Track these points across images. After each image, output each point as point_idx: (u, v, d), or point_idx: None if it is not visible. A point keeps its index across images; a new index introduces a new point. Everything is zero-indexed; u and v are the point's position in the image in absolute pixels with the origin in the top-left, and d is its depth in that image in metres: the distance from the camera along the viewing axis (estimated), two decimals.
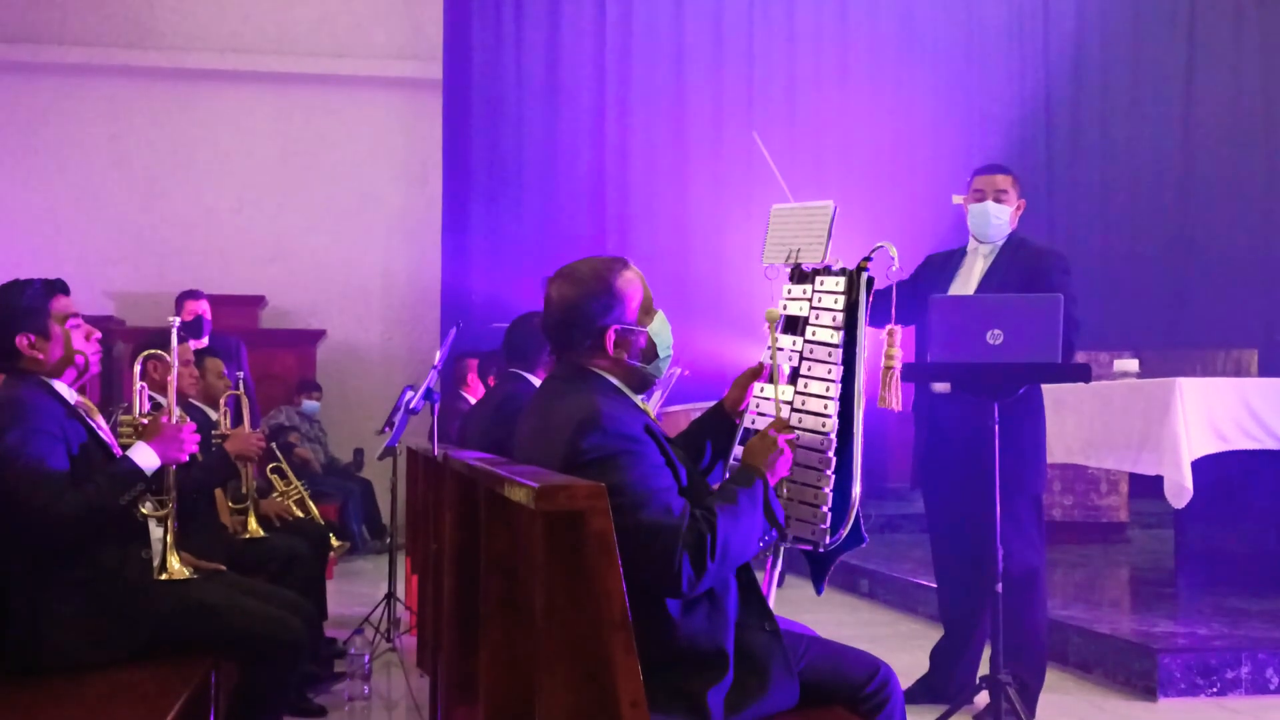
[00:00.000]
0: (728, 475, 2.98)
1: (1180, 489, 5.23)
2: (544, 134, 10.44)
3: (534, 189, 10.33)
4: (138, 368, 3.73)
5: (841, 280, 2.91)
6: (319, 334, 10.76)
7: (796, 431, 2.75)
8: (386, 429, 6.08)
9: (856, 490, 2.80)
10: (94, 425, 3.38)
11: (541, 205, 10.28)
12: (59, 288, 3.34)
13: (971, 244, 4.53)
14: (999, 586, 3.77)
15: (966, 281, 4.43)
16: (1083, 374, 3.92)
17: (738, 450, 2.95)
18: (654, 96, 10.57)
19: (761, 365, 2.96)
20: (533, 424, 2.69)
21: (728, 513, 2.42)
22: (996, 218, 4.42)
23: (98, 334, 3.42)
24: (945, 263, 4.55)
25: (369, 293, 10.96)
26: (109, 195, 10.61)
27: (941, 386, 4.36)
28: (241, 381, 5.29)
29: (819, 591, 2.98)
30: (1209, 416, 5.39)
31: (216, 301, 8.46)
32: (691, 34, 10.64)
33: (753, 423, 2.96)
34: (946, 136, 10.26)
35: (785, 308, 3.00)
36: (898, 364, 3.04)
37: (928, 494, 4.69)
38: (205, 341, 6.89)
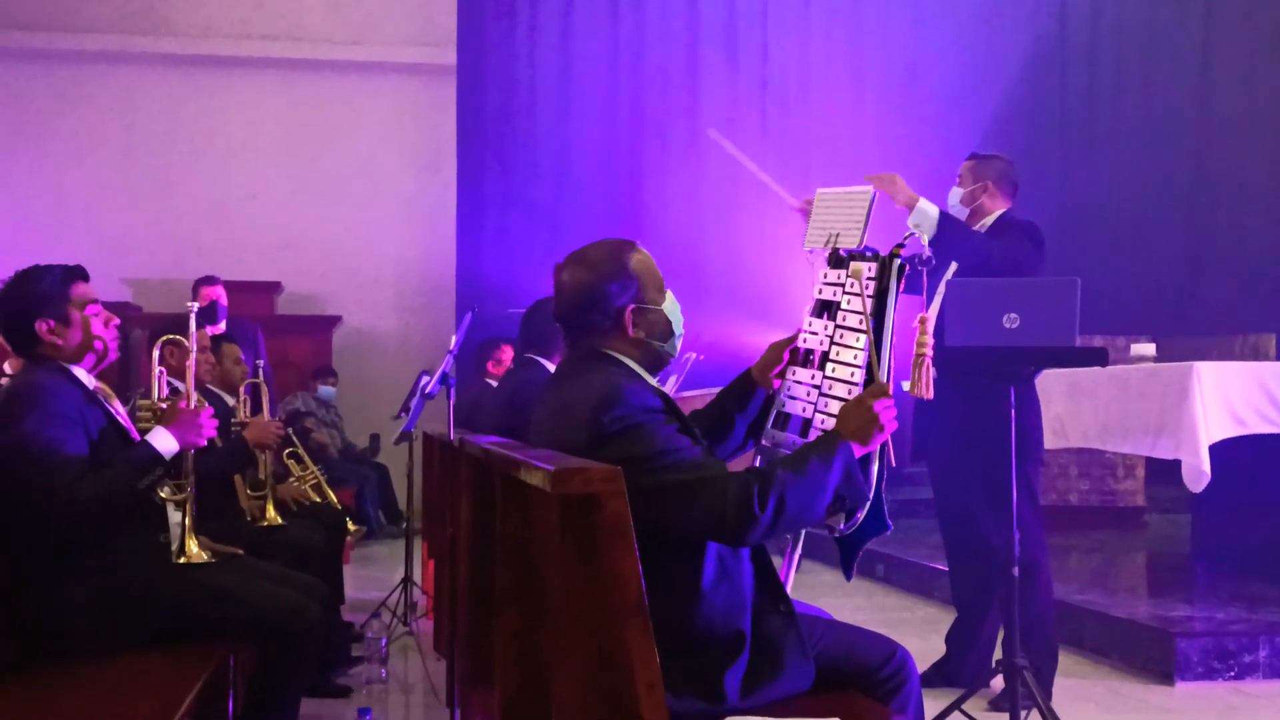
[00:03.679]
0: (758, 458, 2.99)
1: (1198, 473, 5.21)
2: (557, 119, 10.44)
3: (547, 174, 10.34)
4: (156, 353, 3.75)
5: (874, 266, 2.90)
6: (335, 320, 10.79)
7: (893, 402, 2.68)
8: (402, 414, 6.10)
9: (874, 477, 2.79)
10: (112, 410, 3.40)
11: (555, 191, 10.29)
12: (78, 274, 3.36)
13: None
14: (1015, 570, 3.76)
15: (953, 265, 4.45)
16: (1099, 358, 3.91)
17: (778, 434, 2.93)
18: (667, 81, 10.55)
19: (797, 335, 2.96)
20: (549, 407, 2.70)
21: (790, 470, 2.41)
22: (951, 199, 4.51)
23: (117, 320, 3.43)
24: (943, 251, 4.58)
25: (384, 278, 10.99)
26: (125, 182, 10.64)
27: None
28: (260, 369, 5.30)
29: (848, 576, 2.98)
30: (1227, 401, 5.36)
31: (232, 288, 8.49)
32: (705, 17, 10.61)
33: (783, 405, 2.95)
34: (959, 126, 10.21)
35: (820, 292, 3.00)
36: (929, 352, 3.03)
37: (933, 479, 4.72)
38: (222, 327, 6.92)
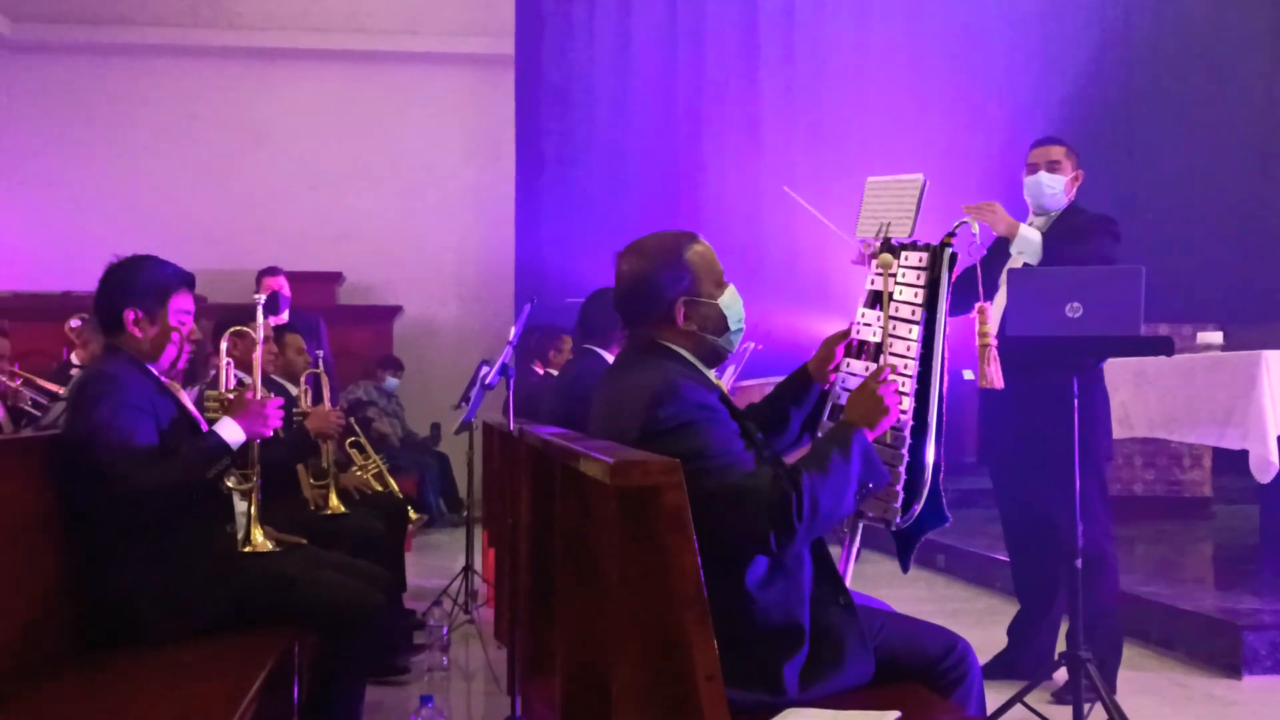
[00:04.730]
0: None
1: (1266, 464, 5.12)
2: (616, 108, 10.43)
3: (606, 163, 10.34)
4: (223, 344, 3.80)
5: (925, 256, 2.88)
6: (395, 310, 10.88)
7: (897, 382, 2.70)
8: (462, 404, 6.14)
9: (930, 469, 2.77)
10: (181, 400, 3.46)
11: (614, 179, 10.29)
12: (185, 280, 3.42)
13: (1030, 217, 4.51)
14: (1078, 562, 3.71)
15: (1018, 256, 4.39)
16: (1165, 347, 3.85)
17: (827, 424, 2.92)
18: (726, 69, 10.51)
19: (850, 330, 2.94)
20: (606, 398, 2.70)
21: (814, 470, 2.41)
22: (1050, 187, 4.40)
23: (199, 336, 3.49)
24: (1004, 239, 4.51)
25: (443, 268, 11.06)
26: (188, 174, 10.79)
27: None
28: (321, 359, 5.36)
29: (905, 569, 2.97)
30: None
31: (294, 279, 8.56)
32: (764, 5, 10.56)
33: (839, 398, 2.94)
34: (1019, 112, 10.08)
35: (873, 282, 2.98)
36: (993, 341, 3.00)
37: (993, 471, 4.68)
38: (284, 318, 6.99)
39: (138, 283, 3.36)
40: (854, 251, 3.62)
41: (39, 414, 5.97)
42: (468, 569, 6.00)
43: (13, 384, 6.10)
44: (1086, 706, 3.67)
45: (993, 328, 3.04)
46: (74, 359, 6.75)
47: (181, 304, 3.41)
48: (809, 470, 2.40)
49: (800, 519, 2.34)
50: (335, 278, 10.77)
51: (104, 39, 10.67)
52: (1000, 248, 4.41)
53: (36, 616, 3.00)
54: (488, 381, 5.09)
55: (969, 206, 4.16)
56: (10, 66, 10.72)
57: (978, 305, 3.04)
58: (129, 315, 3.34)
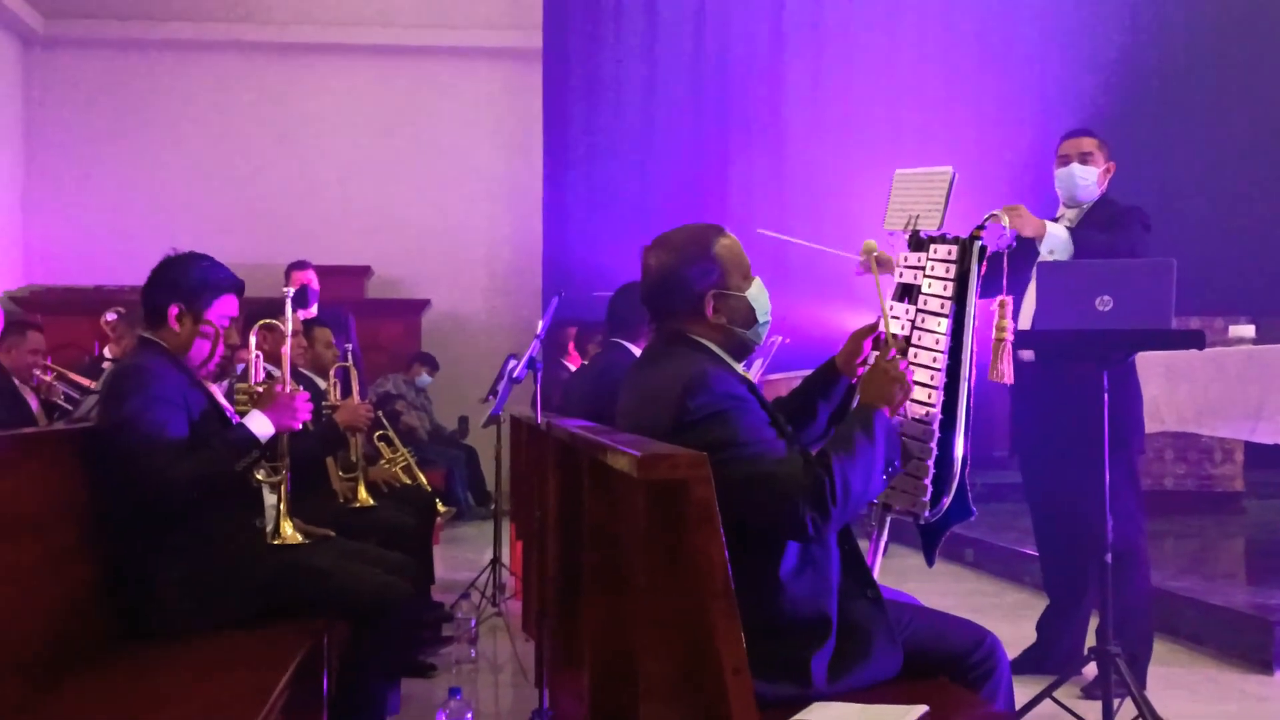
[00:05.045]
0: None
1: None
2: (644, 101, 10.43)
3: (633, 157, 10.33)
4: (253, 337, 3.83)
5: (954, 249, 2.87)
6: (424, 304, 10.92)
7: (905, 354, 2.70)
8: (490, 397, 6.16)
9: (958, 463, 2.76)
10: (212, 392, 3.48)
11: (641, 173, 10.28)
12: (234, 286, 3.46)
13: (1060, 210, 4.49)
14: (1108, 557, 3.69)
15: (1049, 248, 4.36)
16: (1196, 340, 3.82)
17: None
18: (753, 62, 10.49)
19: (878, 323, 2.94)
20: (634, 391, 2.71)
21: (843, 453, 2.41)
22: (1082, 179, 4.38)
23: (234, 341, 3.53)
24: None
25: (472, 262, 11.09)
26: (219, 168, 10.86)
27: (1026, 354, 4.29)
28: (350, 353, 5.39)
29: (930, 563, 2.96)
30: None
31: (324, 272, 8.60)
32: (791, 1, 10.52)
33: None
34: (1050, 101, 10.01)
35: (901, 275, 2.97)
36: (1009, 336, 2.99)
37: (1023, 464, 4.65)
38: (313, 311, 7.02)
39: (188, 279, 3.40)
40: (856, 266, 3.62)
41: (71, 408, 6.02)
42: (495, 562, 6.02)
43: (46, 378, 6.15)
44: (1116, 702, 3.65)
45: (1011, 322, 3.02)
46: (107, 353, 6.80)
47: (225, 308, 3.44)
48: (837, 454, 2.40)
49: (835, 501, 2.35)
50: (364, 271, 10.82)
51: (135, 34, 10.75)
52: (1029, 242, 4.39)
53: (70, 608, 3.03)
54: (516, 375, 5.10)
55: (991, 214, 4.13)
56: (42, 62, 10.80)
57: (999, 299, 3.02)
58: (172, 310, 3.37)
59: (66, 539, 3.08)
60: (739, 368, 2.69)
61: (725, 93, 10.48)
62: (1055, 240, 4.20)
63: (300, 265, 7.87)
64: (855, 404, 2.71)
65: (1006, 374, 3.03)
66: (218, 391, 3.57)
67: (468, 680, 4.75)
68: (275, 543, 3.37)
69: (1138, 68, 10.55)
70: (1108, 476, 3.71)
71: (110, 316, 6.62)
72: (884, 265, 2.96)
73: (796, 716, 2.29)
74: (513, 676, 4.83)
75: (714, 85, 10.48)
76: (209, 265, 3.44)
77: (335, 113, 11.03)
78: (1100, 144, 4.45)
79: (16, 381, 6.16)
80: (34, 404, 6.16)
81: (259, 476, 3.40)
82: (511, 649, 5.17)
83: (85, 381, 6.17)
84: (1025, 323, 4.20)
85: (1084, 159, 4.40)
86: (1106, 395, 3.72)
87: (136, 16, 10.75)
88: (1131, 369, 4.33)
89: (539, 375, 4.58)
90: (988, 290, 3.08)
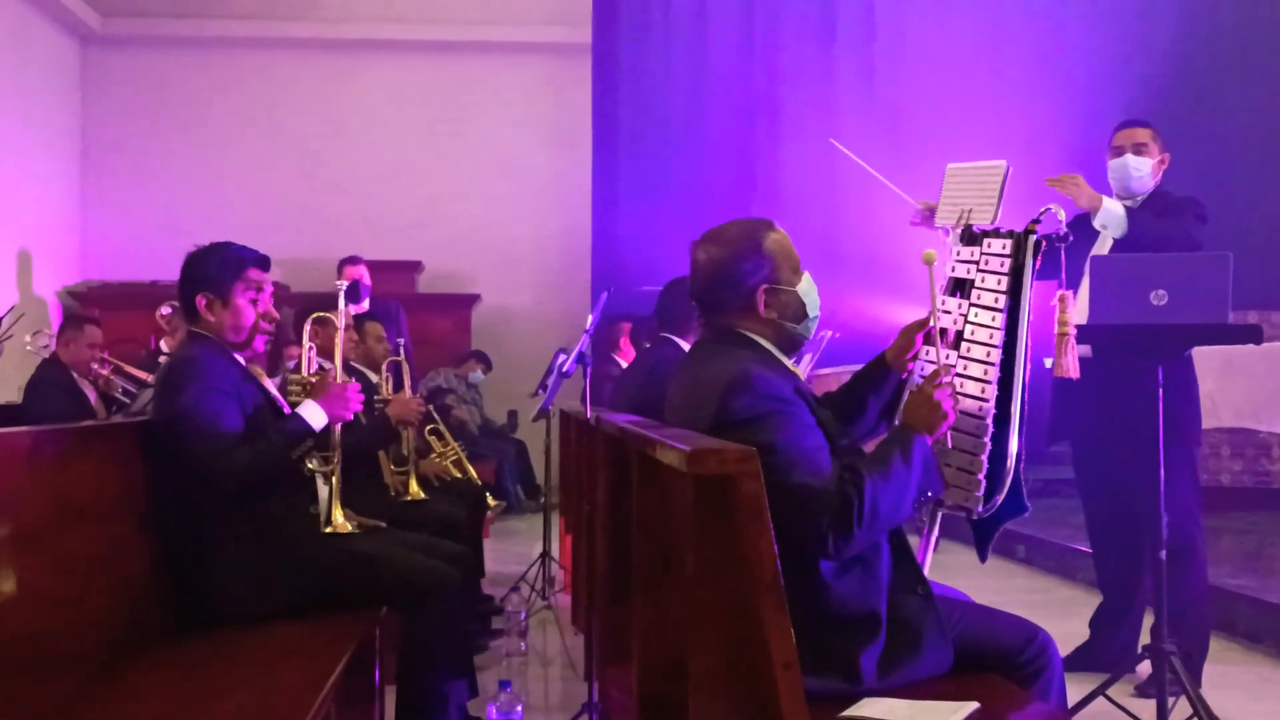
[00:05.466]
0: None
1: None
2: (693, 95, 10.40)
3: (682, 151, 10.31)
4: (305, 330, 3.86)
5: (1008, 243, 2.85)
6: (474, 298, 10.97)
7: (953, 384, 2.69)
8: (540, 392, 6.18)
9: (1012, 459, 2.74)
10: (264, 385, 3.52)
11: (690, 167, 10.25)
12: (255, 260, 3.47)
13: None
14: (1163, 554, 3.65)
15: (1103, 241, 4.31)
16: (1253, 335, 3.76)
17: None
18: (803, 55, 10.43)
19: (929, 319, 2.92)
20: (682, 387, 2.71)
21: (877, 475, 2.40)
22: (1136, 170, 4.32)
23: (275, 314, 3.53)
24: (1089, 226, 4.43)
25: (521, 257, 11.13)
26: (271, 164, 10.97)
27: (1082, 349, 4.25)
28: (402, 348, 5.42)
29: (983, 559, 2.94)
30: None
31: (375, 267, 8.66)
32: None
33: (915, 387, 2.92)
34: (1101, 92, 9.88)
35: (954, 269, 2.95)
36: (1072, 330, 2.97)
37: (1076, 460, 4.60)
38: (365, 306, 7.08)
39: (206, 268, 3.43)
40: (913, 212, 3.58)
41: (129, 401, 6.11)
42: (545, 555, 6.04)
43: (103, 371, 6.25)
44: (1171, 701, 3.61)
45: (1072, 316, 2.99)
46: (163, 346, 6.89)
47: (249, 281, 3.44)
48: (872, 474, 2.40)
49: (859, 524, 2.35)
50: (415, 266, 10.89)
51: (189, 32, 10.87)
52: (1083, 233, 4.34)
53: (129, 597, 3.08)
54: (565, 370, 5.12)
55: (1051, 179, 4.09)
56: (100, 60, 10.96)
57: (1059, 293, 3.00)
58: (200, 301, 3.41)
59: (125, 530, 3.13)
60: (789, 363, 2.68)
61: (775, 85, 10.43)
62: (1110, 216, 4.15)
63: (352, 260, 7.93)
64: (898, 423, 2.69)
65: (1071, 368, 3.00)
66: (271, 384, 3.61)
67: (517, 673, 4.78)
68: (327, 531, 3.41)
69: (1189, 59, 10.39)
70: (1162, 472, 3.67)
71: (165, 310, 6.71)
72: (930, 219, 2.93)
73: (846, 712, 2.29)
74: (562, 670, 4.85)
75: (763, 78, 10.44)
76: (224, 249, 3.46)
77: (385, 108, 11.11)
78: (1154, 135, 4.40)
79: (75, 375, 6.26)
80: (92, 397, 6.26)
81: (311, 466, 3.44)
82: (561, 642, 5.19)
83: (142, 375, 6.26)
84: (1079, 317, 4.16)
85: (1138, 150, 4.35)
86: (1162, 390, 3.68)
87: (190, 15, 10.87)
88: (1188, 364, 4.28)
89: (588, 370, 4.60)
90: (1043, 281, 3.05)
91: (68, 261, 10.65)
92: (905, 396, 2.92)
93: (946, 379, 2.64)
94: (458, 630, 3.40)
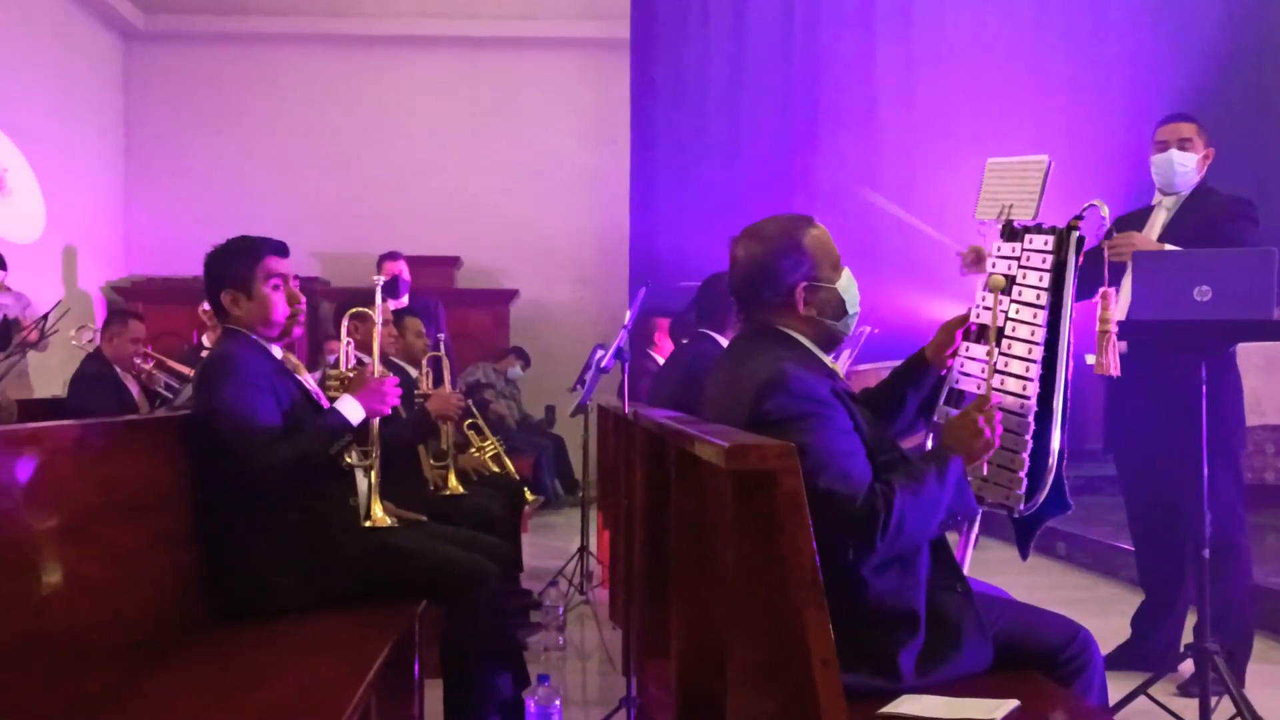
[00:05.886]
0: (930, 436, 2.95)
1: None
2: (731, 90, 10.38)
3: (721, 146, 10.29)
4: (344, 324, 3.89)
5: (1050, 239, 2.82)
6: (512, 294, 11.00)
7: (1001, 412, 2.66)
8: (578, 387, 6.19)
9: (1054, 456, 2.72)
10: (302, 381, 3.54)
11: (729, 163, 10.23)
12: (272, 248, 3.48)
13: (1156, 197, 4.39)
14: (1205, 552, 3.61)
15: (1148, 237, 4.27)
16: None
17: (951, 412, 2.89)
18: (842, 49, 10.39)
19: (969, 315, 2.91)
20: (719, 383, 2.70)
21: (909, 491, 2.38)
22: (1181, 165, 4.27)
23: (303, 300, 3.55)
24: (1132, 223, 4.40)
25: (559, 252, 11.14)
26: (311, 159, 11.03)
27: (1120, 346, 4.21)
28: (442, 343, 5.45)
29: (1024, 556, 2.92)
30: None
31: (414, 262, 8.71)
32: None
33: (956, 381, 2.90)
34: (1144, 85, 9.78)
35: (994, 265, 2.93)
36: (1114, 328, 2.94)
37: (1118, 456, 4.57)
38: (405, 301, 7.11)
39: (223, 265, 3.46)
40: (960, 263, 3.56)
41: (171, 395, 6.17)
42: (583, 550, 6.06)
43: (146, 366, 6.32)
44: (1214, 700, 3.57)
45: (1114, 314, 2.97)
46: (205, 341, 6.96)
47: (272, 268, 3.45)
48: (904, 489, 2.38)
49: (883, 537, 2.33)
50: (453, 261, 10.93)
51: (230, 28, 10.96)
52: (1126, 227, 4.31)
53: (172, 589, 3.11)
54: (603, 365, 5.13)
55: (1110, 245, 4.00)
56: (143, 57, 11.06)
57: (1101, 290, 2.97)
58: (225, 298, 3.44)
59: (168, 522, 3.17)
60: (827, 360, 2.67)
61: (814, 80, 10.39)
62: None
63: (392, 256, 7.98)
64: (939, 442, 2.67)
65: (1111, 366, 2.98)
66: (309, 380, 3.64)
67: (556, 667, 4.79)
68: (367, 524, 3.43)
69: (1232, 52, 10.26)
70: (1205, 470, 3.63)
71: (207, 305, 6.76)
72: (980, 262, 2.92)
73: (885, 708, 2.29)
74: (600, 664, 4.86)
75: (803, 73, 10.40)
76: (240, 243, 3.48)
77: (424, 104, 11.16)
78: (1199, 129, 4.35)
79: (119, 370, 6.33)
80: (135, 391, 6.33)
81: (350, 460, 3.46)
82: (599, 637, 5.21)
83: (184, 369, 6.32)
84: (1121, 313, 4.12)
85: (1183, 145, 4.30)
86: (1205, 387, 3.64)
87: (231, 11, 10.95)
88: (1231, 360, 4.24)
89: (626, 365, 4.60)
90: (1083, 288, 3.03)
91: (112, 257, 10.77)
92: (944, 392, 2.91)
93: (992, 407, 2.61)
94: (499, 623, 3.41)
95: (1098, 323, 2.96)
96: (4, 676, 2.23)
